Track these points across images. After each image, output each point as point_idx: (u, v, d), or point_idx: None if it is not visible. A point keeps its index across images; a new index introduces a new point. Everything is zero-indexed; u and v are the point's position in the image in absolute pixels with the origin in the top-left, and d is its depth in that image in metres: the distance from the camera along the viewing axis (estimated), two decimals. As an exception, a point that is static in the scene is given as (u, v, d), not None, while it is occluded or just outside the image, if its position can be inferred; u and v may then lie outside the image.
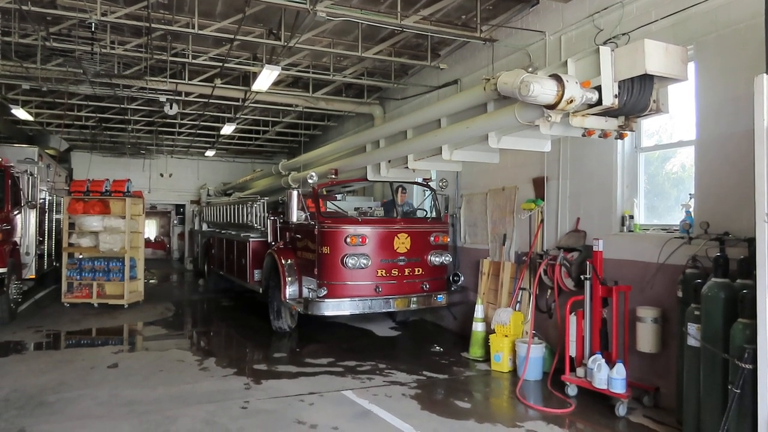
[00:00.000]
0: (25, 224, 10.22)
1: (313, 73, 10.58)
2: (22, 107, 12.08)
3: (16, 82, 10.41)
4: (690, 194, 5.28)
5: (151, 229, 26.03)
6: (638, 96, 4.63)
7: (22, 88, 11.16)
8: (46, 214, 12.00)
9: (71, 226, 10.82)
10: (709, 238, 4.68)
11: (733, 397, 3.62)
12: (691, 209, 5.18)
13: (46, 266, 11.95)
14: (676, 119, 5.75)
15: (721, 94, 4.96)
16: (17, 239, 9.67)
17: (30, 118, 13.07)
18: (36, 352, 7.53)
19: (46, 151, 13.73)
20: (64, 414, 4.98)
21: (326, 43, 9.26)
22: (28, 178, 10.13)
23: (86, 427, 4.69)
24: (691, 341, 4.30)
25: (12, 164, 9.81)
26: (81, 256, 10.75)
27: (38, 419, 4.83)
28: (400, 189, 8.80)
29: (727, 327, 3.87)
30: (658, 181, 6.19)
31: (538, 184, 7.20)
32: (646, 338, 5.34)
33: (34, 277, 10.68)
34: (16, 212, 9.60)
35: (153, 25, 7.75)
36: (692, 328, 4.29)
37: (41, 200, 11.36)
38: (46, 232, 11.99)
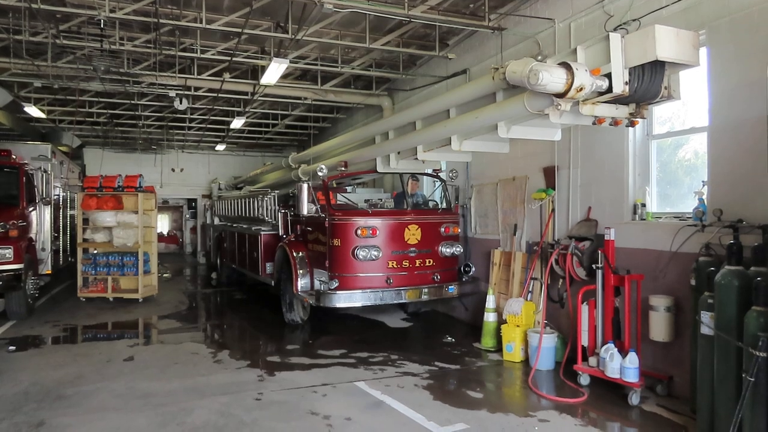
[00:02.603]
0: (40, 221, 10.37)
1: (321, 65, 10.57)
2: (34, 105, 12.22)
3: (28, 80, 10.54)
4: (703, 181, 5.22)
5: (163, 224, 26.27)
6: (649, 83, 4.57)
7: (34, 86, 11.30)
8: (61, 211, 12.15)
9: (85, 221, 10.95)
10: (722, 226, 4.63)
11: (747, 386, 3.59)
12: (704, 196, 5.12)
13: (61, 262, 12.12)
14: (689, 106, 5.67)
15: (734, 80, 4.88)
16: (33, 235, 9.81)
17: (42, 115, 13.22)
18: (54, 346, 7.66)
19: (59, 147, 13.86)
20: (82, 407, 5.08)
21: (334, 35, 9.24)
22: (42, 175, 10.25)
23: (104, 420, 4.78)
24: (705, 330, 4.26)
25: (26, 161, 9.94)
26: (95, 251, 10.89)
27: (57, 412, 4.92)
28: (410, 179, 8.79)
29: (741, 315, 3.83)
30: (671, 168, 6.12)
31: (549, 174, 7.15)
32: (658, 327, 5.31)
33: (50, 272, 10.83)
34: (31, 209, 9.73)
35: (161, 21, 7.78)
36: (705, 317, 4.25)
37: (55, 197, 11.50)
38: (61, 228, 12.15)
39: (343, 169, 8.39)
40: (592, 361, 5.57)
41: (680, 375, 5.24)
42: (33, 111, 12.36)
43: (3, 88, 10.67)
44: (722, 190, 4.95)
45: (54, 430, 4.53)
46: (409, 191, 8.65)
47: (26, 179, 9.61)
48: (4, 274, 8.21)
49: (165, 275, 15.47)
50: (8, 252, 8.33)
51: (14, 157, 9.66)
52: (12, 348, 7.16)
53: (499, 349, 6.92)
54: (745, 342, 3.71)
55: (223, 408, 5.00)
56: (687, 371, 4.98)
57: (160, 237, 20.67)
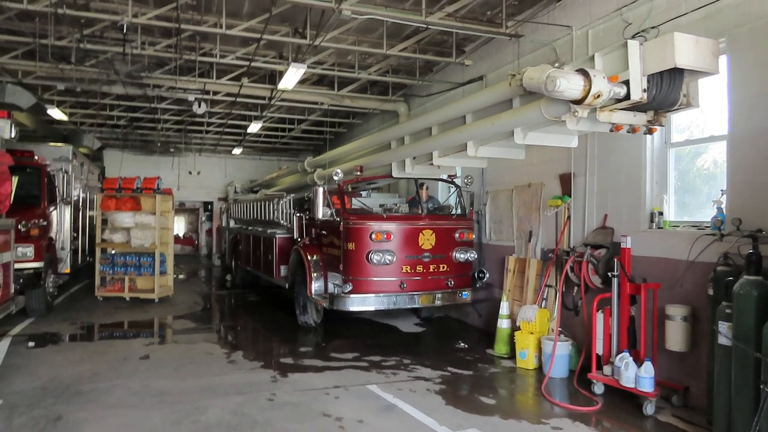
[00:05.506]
0: (61, 220, 10.54)
1: (338, 71, 10.64)
2: (57, 107, 12.44)
3: (52, 83, 10.74)
4: (722, 190, 5.17)
5: (180, 226, 26.55)
6: (668, 90, 4.55)
7: (58, 89, 11.50)
8: (80, 211, 12.33)
9: (104, 222, 11.14)
10: (741, 235, 4.58)
11: (765, 397, 3.54)
12: (723, 205, 5.07)
13: (80, 261, 12.30)
14: (708, 114, 5.63)
15: (754, 88, 4.84)
16: (53, 235, 9.98)
17: (65, 117, 13.45)
18: (71, 343, 7.79)
19: (80, 149, 14.09)
20: (98, 403, 5.15)
21: (351, 41, 9.31)
22: (63, 176, 10.44)
23: (119, 416, 4.84)
24: (722, 340, 4.22)
25: (48, 163, 10.13)
26: (113, 252, 11.04)
27: (74, 407, 5.00)
28: (422, 186, 8.78)
29: (760, 325, 3.79)
30: (689, 177, 6.07)
31: (565, 181, 7.12)
32: (675, 337, 5.25)
33: (69, 271, 10.98)
34: (51, 209, 9.90)
35: (182, 26, 7.91)
36: (723, 327, 4.21)
37: (75, 197, 11.69)
38: (81, 228, 12.33)
39: (358, 173, 8.43)
40: (607, 369, 5.52)
41: (696, 385, 5.17)
42: (55, 113, 12.59)
43: (27, 91, 10.89)
44: (742, 199, 4.90)
45: (71, 425, 4.60)
46: (422, 198, 8.66)
47: (48, 180, 9.79)
48: (25, 272, 8.36)
49: (181, 276, 15.59)
50: (29, 250, 8.48)
51: (36, 158, 9.85)
52: (31, 344, 7.29)
53: (512, 355, 6.89)
54: (764, 353, 3.67)
55: (236, 407, 5.04)
56: (703, 382, 4.92)
57: (177, 239, 20.83)
